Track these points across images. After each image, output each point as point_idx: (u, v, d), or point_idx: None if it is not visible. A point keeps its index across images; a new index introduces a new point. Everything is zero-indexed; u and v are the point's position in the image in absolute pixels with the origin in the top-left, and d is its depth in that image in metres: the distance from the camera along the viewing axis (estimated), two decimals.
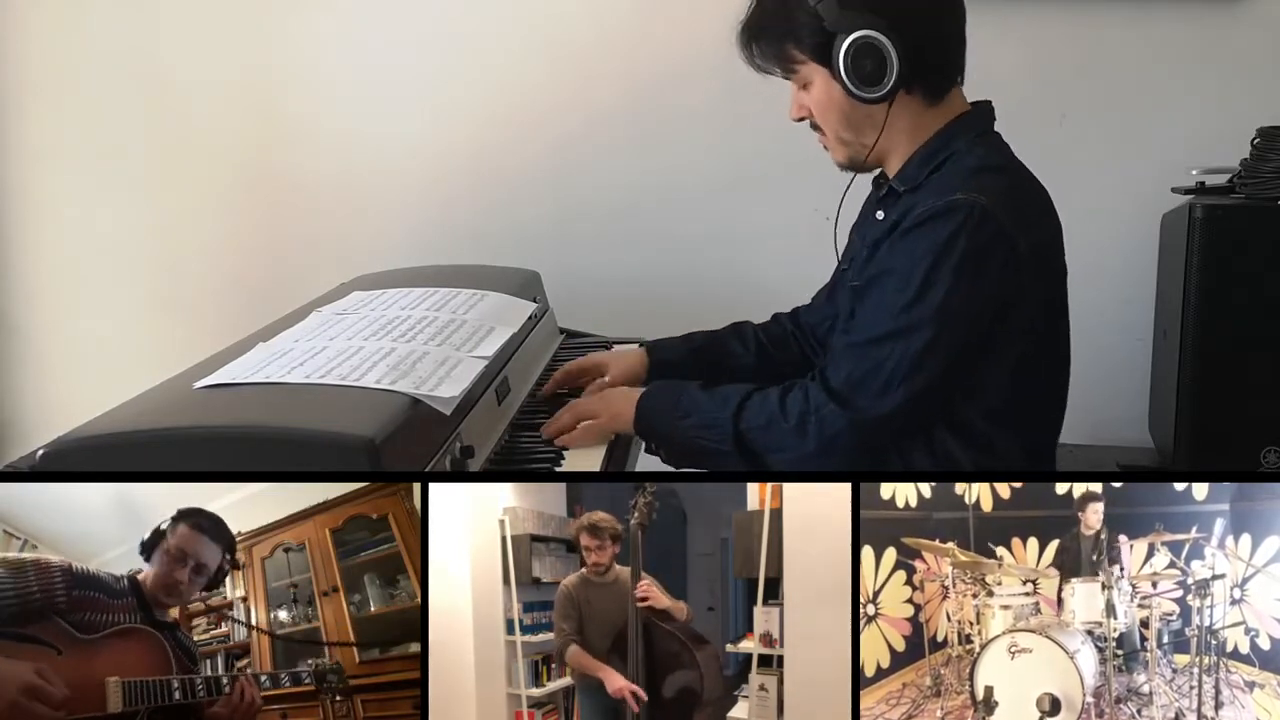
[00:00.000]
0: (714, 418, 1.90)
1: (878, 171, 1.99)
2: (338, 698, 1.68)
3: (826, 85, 1.86)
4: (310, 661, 1.64)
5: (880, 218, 1.94)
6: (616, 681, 1.91)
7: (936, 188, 1.83)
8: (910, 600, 2.34)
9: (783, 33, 1.87)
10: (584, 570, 2.05)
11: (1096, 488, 2.21)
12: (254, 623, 1.99)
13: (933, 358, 1.79)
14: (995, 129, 1.94)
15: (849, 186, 2.00)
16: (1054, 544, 2.34)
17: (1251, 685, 2.07)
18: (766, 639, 1.92)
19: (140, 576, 1.53)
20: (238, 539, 1.74)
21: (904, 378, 1.79)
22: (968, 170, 1.83)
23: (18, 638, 1.38)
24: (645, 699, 1.89)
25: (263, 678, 1.56)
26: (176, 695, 1.44)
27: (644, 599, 1.91)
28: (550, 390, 2.25)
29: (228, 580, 1.95)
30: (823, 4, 1.80)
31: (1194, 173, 2.83)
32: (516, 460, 1.95)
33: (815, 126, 1.94)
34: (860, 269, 1.95)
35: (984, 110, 1.94)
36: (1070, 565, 2.23)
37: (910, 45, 1.80)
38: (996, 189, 1.79)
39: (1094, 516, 2.19)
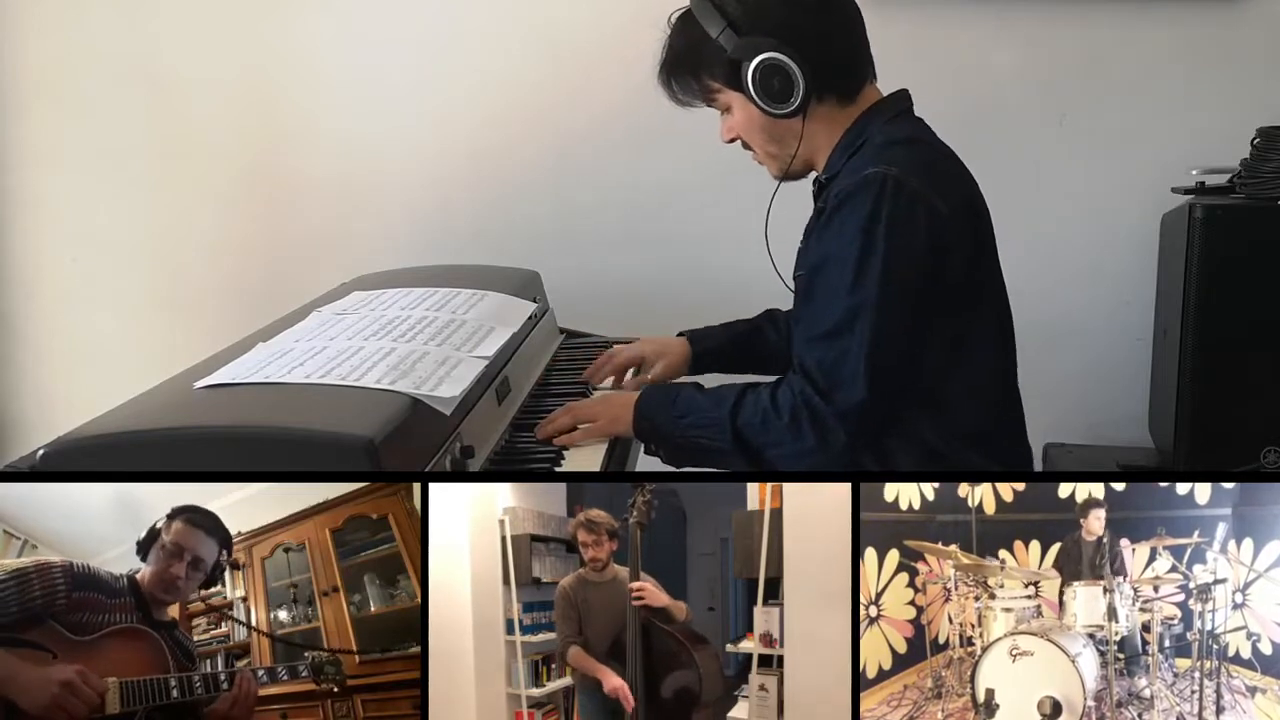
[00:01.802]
0: (711, 417, 1.92)
1: (814, 181, 2.04)
2: (335, 689, 1.67)
3: (744, 108, 1.95)
4: (308, 654, 1.63)
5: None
6: (612, 680, 1.91)
7: (852, 169, 1.90)
8: (912, 602, 2.34)
9: (695, 67, 1.97)
10: (581, 570, 2.05)
11: (1099, 494, 2.21)
12: (254, 623, 1.98)
13: (888, 331, 1.83)
14: (914, 112, 2.00)
15: (774, 195, 2.05)
16: (1056, 547, 2.34)
17: (1253, 690, 2.08)
18: (766, 639, 1.91)
19: (138, 576, 1.53)
20: (238, 539, 1.73)
21: (869, 358, 1.82)
22: (877, 147, 1.90)
23: (12, 643, 1.37)
24: (639, 700, 1.89)
25: (260, 672, 1.56)
26: (174, 694, 1.43)
27: (639, 596, 1.91)
28: (597, 378, 2.33)
29: (228, 580, 1.96)
30: (723, 35, 1.89)
31: (1194, 173, 2.83)
32: (516, 460, 1.95)
33: (746, 145, 2.03)
34: (801, 260, 2.01)
35: (898, 96, 2.00)
36: (1072, 569, 2.23)
37: (811, 58, 1.88)
38: (905, 158, 1.86)
39: (1096, 522, 2.20)
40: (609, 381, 2.36)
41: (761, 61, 1.87)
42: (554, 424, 2.02)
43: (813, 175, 2.04)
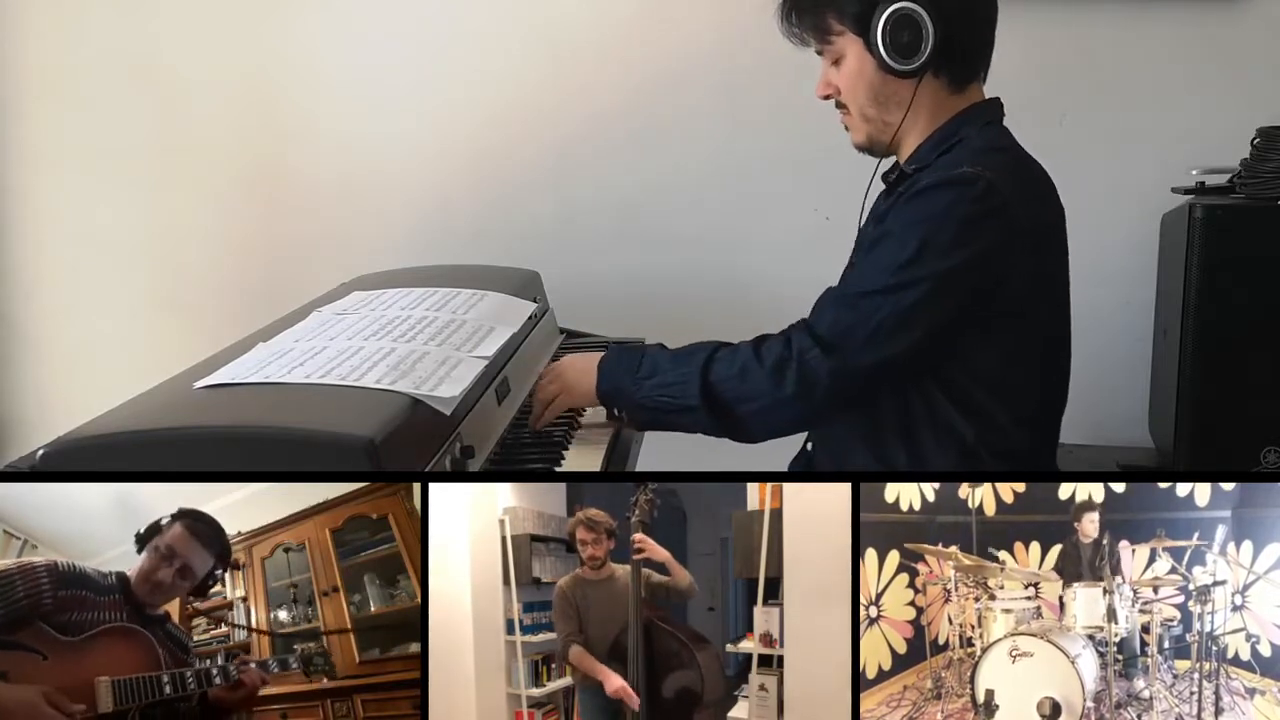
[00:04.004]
0: (680, 373, 1.91)
1: (888, 167, 2.02)
2: (326, 682, 1.67)
3: (860, 57, 1.91)
4: (297, 647, 1.63)
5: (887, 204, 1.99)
6: (615, 682, 1.91)
7: (943, 165, 1.88)
8: (912, 603, 2.34)
9: (825, 2, 1.92)
10: (578, 570, 2.05)
11: (1096, 496, 2.21)
12: (254, 623, 1.99)
13: (921, 317, 1.82)
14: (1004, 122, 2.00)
15: (868, 188, 2.02)
16: (1056, 549, 2.34)
17: (1252, 692, 2.07)
18: (766, 639, 1.91)
19: (130, 572, 1.52)
20: (238, 539, 1.73)
21: (891, 332, 1.81)
22: (974, 150, 1.89)
23: (2, 645, 1.37)
24: (641, 700, 1.89)
25: (251, 665, 1.55)
26: (167, 690, 1.43)
27: (640, 550, 1.90)
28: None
29: (228, 580, 1.96)
30: None
31: (1194, 173, 2.83)
32: (516, 460, 1.95)
33: (839, 105, 1.99)
34: (861, 240, 2.00)
35: (995, 103, 2.00)
36: (1072, 570, 2.23)
37: (946, 25, 1.86)
38: (1000, 166, 1.85)
39: (1090, 525, 2.19)
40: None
41: (899, 9, 1.85)
42: (534, 415, 2.04)
43: (886, 168, 2.02)
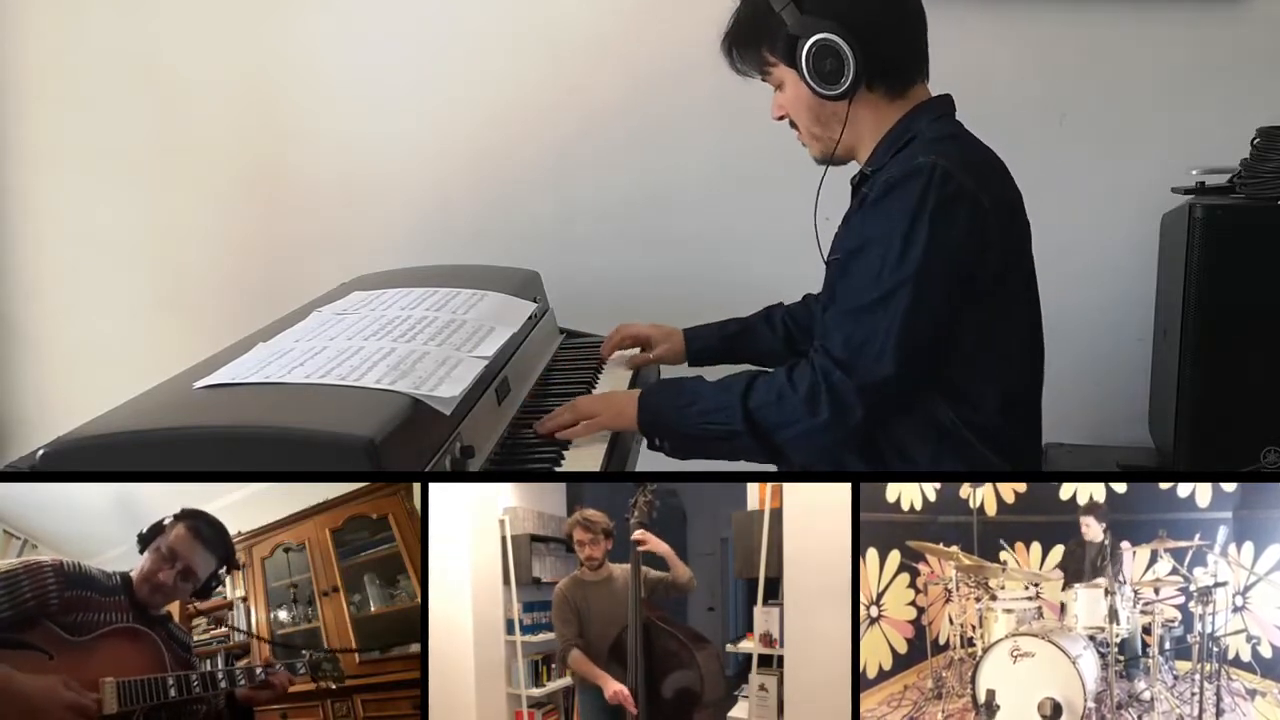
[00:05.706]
0: (721, 401, 1.93)
1: (856, 174, 2.06)
2: (333, 687, 1.67)
3: (795, 85, 1.98)
4: (305, 652, 1.63)
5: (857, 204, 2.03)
6: (612, 687, 1.91)
7: (900, 161, 1.92)
8: (913, 603, 2.34)
9: (757, 39, 2.00)
10: (576, 571, 2.04)
11: (1097, 496, 2.21)
12: (254, 624, 1.98)
13: (922, 314, 1.85)
14: (958, 118, 2.03)
15: (821, 182, 2.07)
16: (1057, 549, 2.34)
17: (1253, 693, 2.07)
18: (766, 639, 1.91)
19: (131, 573, 1.52)
20: (237, 539, 1.73)
21: (899, 337, 1.85)
22: (927, 141, 1.93)
23: (9, 644, 1.37)
24: (640, 703, 1.89)
25: (258, 670, 1.55)
26: (172, 693, 1.43)
27: (642, 542, 1.91)
28: (606, 352, 2.51)
29: (228, 580, 1.96)
30: (786, 10, 1.92)
31: (1194, 173, 2.83)
32: (516, 460, 1.95)
33: (793, 125, 2.06)
34: (837, 244, 2.02)
35: (944, 99, 2.03)
36: (1073, 570, 2.23)
37: (867, 46, 1.91)
38: (953, 152, 1.90)
39: (1087, 529, 2.19)
40: (616, 355, 2.50)
41: (817, 41, 1.90)
42: (556, 420, 2.02)
43: (858, 170, 2.05)
